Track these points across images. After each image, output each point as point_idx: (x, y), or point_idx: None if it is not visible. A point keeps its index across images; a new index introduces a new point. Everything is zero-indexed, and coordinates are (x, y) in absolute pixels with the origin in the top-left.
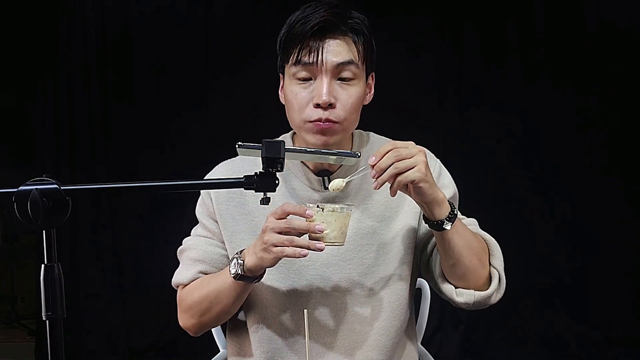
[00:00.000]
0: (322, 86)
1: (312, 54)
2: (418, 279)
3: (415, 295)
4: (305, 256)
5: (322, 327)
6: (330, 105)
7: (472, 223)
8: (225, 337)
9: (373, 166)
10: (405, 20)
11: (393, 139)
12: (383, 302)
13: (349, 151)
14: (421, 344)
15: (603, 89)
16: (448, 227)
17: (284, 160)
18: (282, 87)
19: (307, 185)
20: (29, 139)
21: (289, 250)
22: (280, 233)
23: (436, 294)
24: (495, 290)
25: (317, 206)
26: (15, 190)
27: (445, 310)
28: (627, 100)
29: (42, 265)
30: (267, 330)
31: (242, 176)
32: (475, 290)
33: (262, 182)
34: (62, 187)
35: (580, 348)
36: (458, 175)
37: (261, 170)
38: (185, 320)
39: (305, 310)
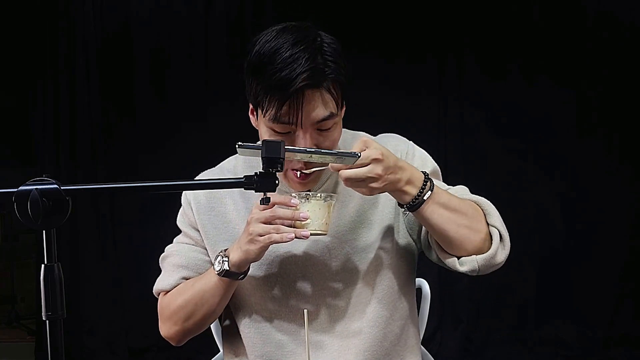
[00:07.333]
0: (302, 142)
1: (292, 115)
2: (417, 278)
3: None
4: (291, 240)
5: (314, 326)
6: None
7: (459, 190)
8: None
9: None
10: (405, 21)
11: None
12: (370, 292)
13: (348, 151)
14: (421, 344)
15: (603, 87)
16: (426, 197)
17: (284, 160)
18: (253, 113)
19: (284, 192)
20: (29, 139)
21: (277, 236)
22: (265, 223)
23: (436, 294)
24: (498, 249)
25: (303, 195)
26: (15, 190)
27: (445, 310)
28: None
29: (42, 265)
30: (259, 333)
31: (242, 176)
32: (477, 254)
33: (262, 182)
34: (62, 187)
35: (580, 348)
36: (458, 174)
37: (261, 170)
38: (167, 328)
39: (305, 310)
